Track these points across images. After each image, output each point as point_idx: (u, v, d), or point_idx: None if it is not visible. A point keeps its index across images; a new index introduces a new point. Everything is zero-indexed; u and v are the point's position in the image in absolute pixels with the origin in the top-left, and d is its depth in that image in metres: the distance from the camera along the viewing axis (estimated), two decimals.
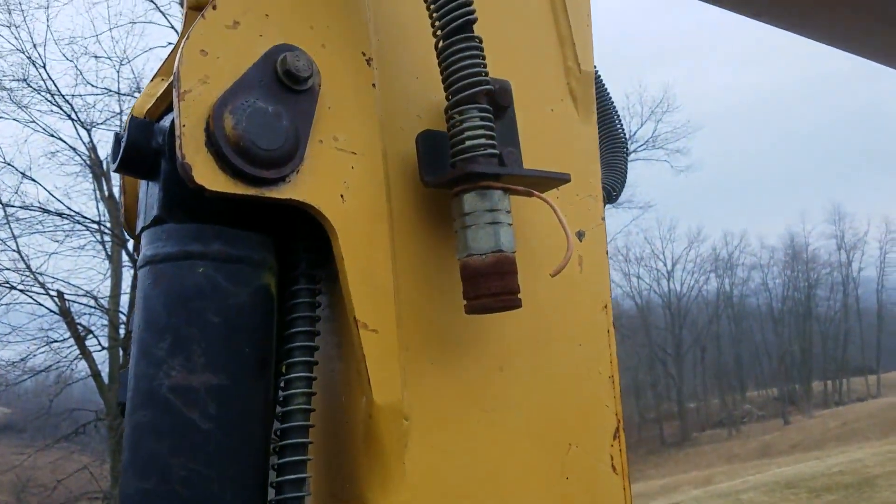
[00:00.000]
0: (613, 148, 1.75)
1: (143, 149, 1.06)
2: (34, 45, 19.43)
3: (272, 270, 1.06)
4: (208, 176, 0.95)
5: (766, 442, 44.98)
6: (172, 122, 0.98)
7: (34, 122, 19.70)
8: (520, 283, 1.07)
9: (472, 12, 1.07)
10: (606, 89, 1.72)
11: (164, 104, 1.18)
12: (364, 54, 1.12)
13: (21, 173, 19.32)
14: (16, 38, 20.21)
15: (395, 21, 1.19)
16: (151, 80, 1.28)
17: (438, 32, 1.09)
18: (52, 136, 20.07)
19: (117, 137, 1.07)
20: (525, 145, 1.20)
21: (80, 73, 20.38)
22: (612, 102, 1.75)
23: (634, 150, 32.83)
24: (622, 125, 1.79)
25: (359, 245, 1.06)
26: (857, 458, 21.05)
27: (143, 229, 1.08)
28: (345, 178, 1.06)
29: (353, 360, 1.10)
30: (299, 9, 1.07)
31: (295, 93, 1.02)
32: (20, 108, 19.42)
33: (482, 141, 1.08)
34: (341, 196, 1.05)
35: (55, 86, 19.68)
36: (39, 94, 19.60)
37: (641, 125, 35.66)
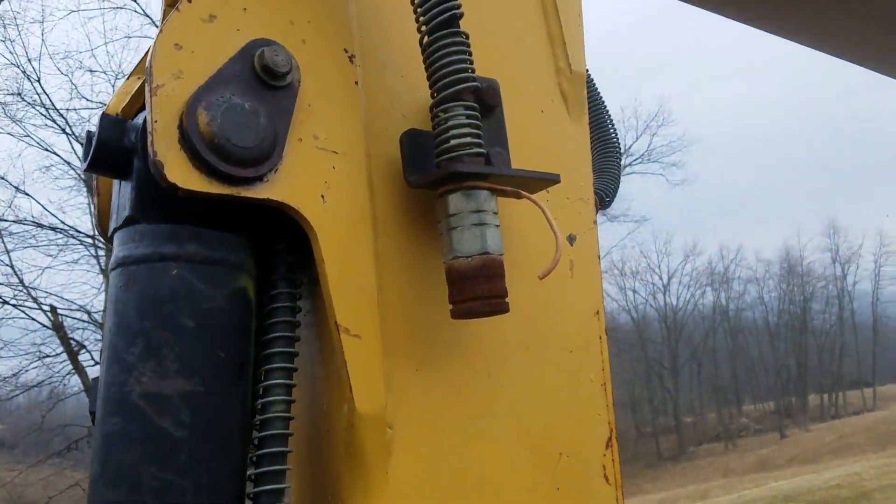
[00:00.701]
0: (606, 152, 1.71)
1: (116, 147, 1.03)
2: (29, 60, 19.44)
3: (250, 273, 1.02)
4: (181, 174, 0.91)
5: (763, 456, 44.81)
6: (145, 118, 0.94)
7: (28, 136, 19.70)
8: (508, 287, 1.04)
9: (458, 6, 1.04)
10: (599, 92, 1.69)
11: (139, 102, 1.15)
12: (347, 51, 1.09)
13: (15, 187, 19.30)
14: (10, 52, 20.16)
15: (379, 17, 1.16)
16: (127, 79, 1.25)
17: (423, 27, 1.06)
18: (47, 150, 20.05)
19: (89, 135, 1.04)
20: (514, 147, 1.16)
21: (75, 88, 20.32)
22: (605, 106, 1.72)
23: (629, 164, 32.92)
24: (615, 129, 1.75)
25: (340, 247, 1.03)
26: (853, 471, 20.98)
27: (115, 230, 1.04)
28: (325, 178, 1.03)
29: (334, 366, 1.06)
30: (279, 3, 1.04)
31: (273, 89, 0.98)
32: (14, 122, 19.41)
33: (468, 140, 1.04)
34: (322, 196, 1.02)
35: (50, 100, 19.70)
36: (34, 108, 19.60)
37: (636, 139, 35.78)
